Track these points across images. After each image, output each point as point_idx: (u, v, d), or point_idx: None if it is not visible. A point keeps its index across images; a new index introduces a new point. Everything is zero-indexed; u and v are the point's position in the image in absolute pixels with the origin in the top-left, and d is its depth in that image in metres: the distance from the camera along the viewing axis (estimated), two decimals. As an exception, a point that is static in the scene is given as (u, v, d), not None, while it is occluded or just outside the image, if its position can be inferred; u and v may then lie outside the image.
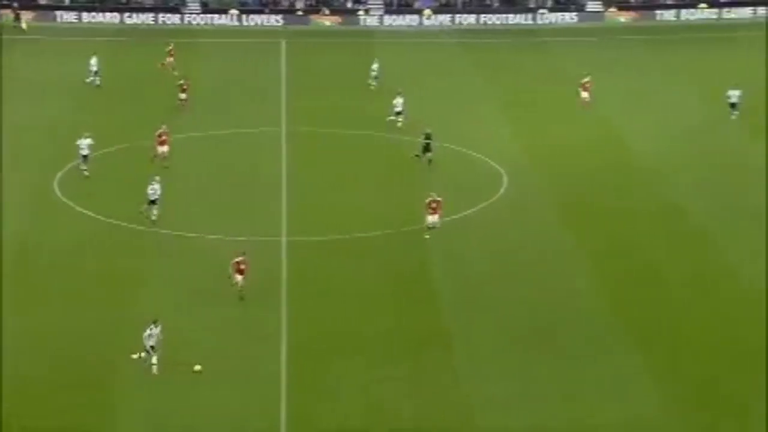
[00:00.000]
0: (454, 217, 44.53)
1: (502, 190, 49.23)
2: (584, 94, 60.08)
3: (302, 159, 53.18)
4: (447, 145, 53.51)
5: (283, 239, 43.89)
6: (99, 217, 45.40)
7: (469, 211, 45.87)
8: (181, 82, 59.92)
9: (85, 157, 49.48)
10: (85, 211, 46.02)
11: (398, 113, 56.39)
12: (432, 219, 42.63)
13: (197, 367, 33.66)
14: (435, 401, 32.66)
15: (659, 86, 65.38)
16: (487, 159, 52.81)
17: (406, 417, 31.90)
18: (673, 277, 40.72)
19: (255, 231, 44.33)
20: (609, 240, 43.98)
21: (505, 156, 53.18)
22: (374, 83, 63.71)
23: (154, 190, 44.57)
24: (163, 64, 66.10)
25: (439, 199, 42.92)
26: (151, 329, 33.91)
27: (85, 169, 49.46)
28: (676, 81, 66.56)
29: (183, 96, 59.16)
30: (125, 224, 44.72)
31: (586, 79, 60.44)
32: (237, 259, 38.05)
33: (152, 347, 33.76)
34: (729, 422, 31.55)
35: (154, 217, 44.44)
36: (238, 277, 37.87)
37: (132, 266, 41.15)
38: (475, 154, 53.40)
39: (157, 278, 40.43)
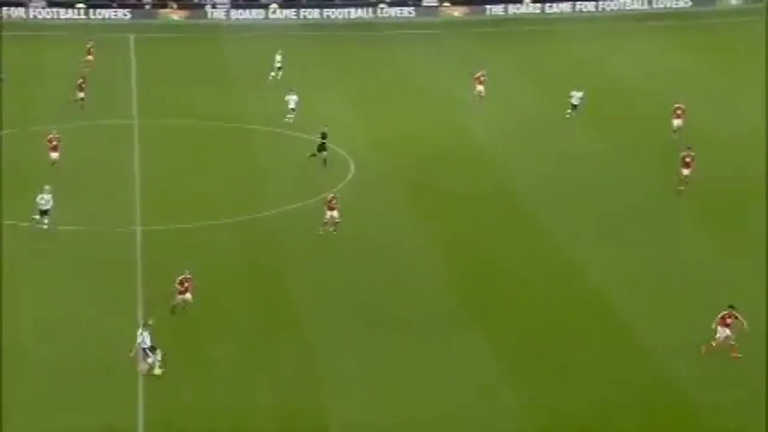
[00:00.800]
0: (299, 204, 44.00)
1: (349, 176, 48.93)
2: (479, 88, 58.71)
3: (155, 151, 51.54)
4: (297, 134, 52.89)
5: (138, 229, 42.55)
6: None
7: (314, 199, 45.17)
8: (81, 80, 57.06)
9: None
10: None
11: (292, 110, 54.78)
12: (332, 214, 42.09)
13: (158, 371, 31.79)
14: (292, 386, 32.16)
15: (495, 77, 66.04)
16: (334, 147, 52.32)
17: (265, 405, 31.16)
18: (509, 257, 41.05)
19: (110, 221, 42.88)
20: (449, 224, 43.91)
21: (352, 144, 52.54)
22: (279, 75, 61.67)
23: (46, 200, 41.58)
24: (87, 61, 62.91)
25: (337, 196, 42.42)
26: (141, 331, 31.77)
27: None
28: (509, 72, 67.31)
29: (81, 95, 56.35)
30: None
31: (480, 73, 59.03)
32: (181, 277, 35.57)
33: (151, 347, 31.61)
34: (558, 385, 32.52)
35: (45, 226, 41.61)
36: (187, 295, 35.36)
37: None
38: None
39: (14, 272, 38.40)
